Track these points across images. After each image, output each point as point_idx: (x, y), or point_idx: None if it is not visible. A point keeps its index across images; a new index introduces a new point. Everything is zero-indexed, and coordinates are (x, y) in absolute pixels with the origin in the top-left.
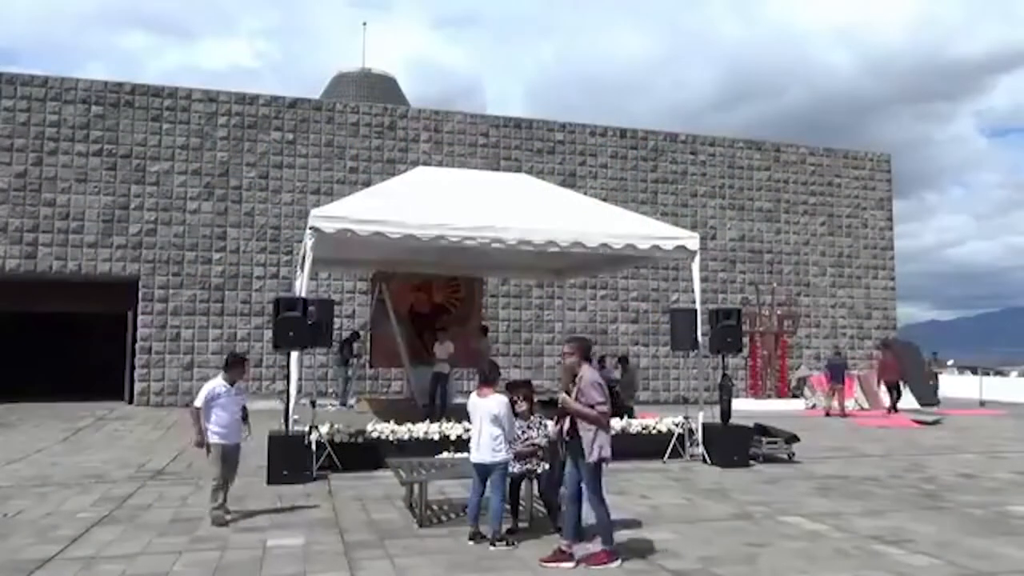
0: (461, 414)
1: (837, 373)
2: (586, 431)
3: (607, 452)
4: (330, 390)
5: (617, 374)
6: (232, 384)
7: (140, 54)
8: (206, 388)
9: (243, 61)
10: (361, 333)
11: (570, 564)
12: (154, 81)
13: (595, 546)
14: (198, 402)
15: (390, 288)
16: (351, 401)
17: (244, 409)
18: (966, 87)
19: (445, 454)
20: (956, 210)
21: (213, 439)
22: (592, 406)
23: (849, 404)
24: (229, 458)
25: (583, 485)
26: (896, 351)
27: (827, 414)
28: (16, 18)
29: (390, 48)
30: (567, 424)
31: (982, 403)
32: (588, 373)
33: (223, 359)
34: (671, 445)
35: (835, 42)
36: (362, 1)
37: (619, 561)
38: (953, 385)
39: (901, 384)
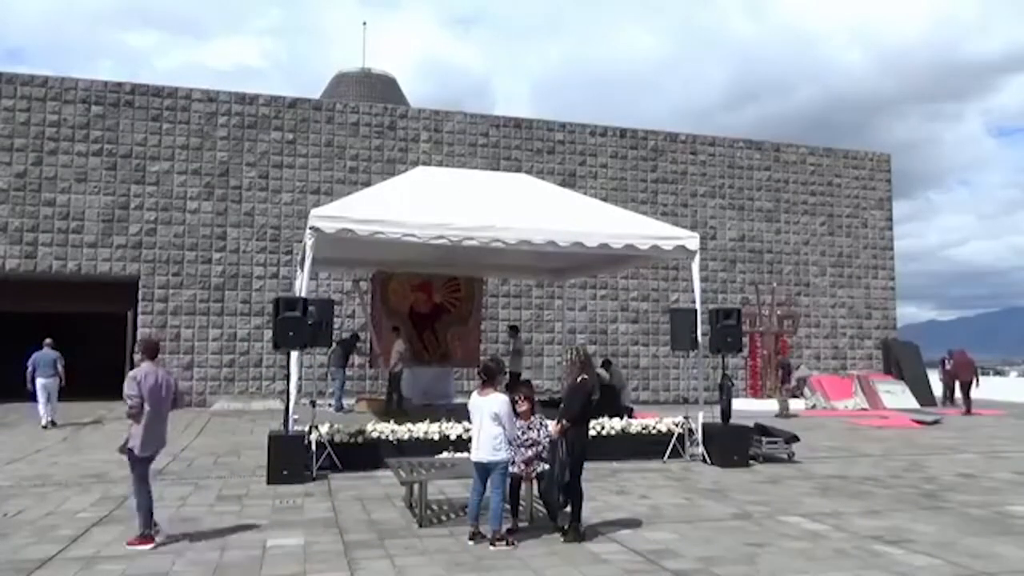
0: (461, 414)
1: (784, 374)
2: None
3: (133, 443)
4: (329, 390)
5: (606, 378)
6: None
7: (151, 53)
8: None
9: (250, 60)
10: (362, 335)
11: (148, 546)
12: (163, 80)
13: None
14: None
15: (388, 287)
16: (347, 403)
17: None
18: (976, 86)
19: (445, 454)
20: (960, 210)
21: None
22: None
23: (849, 404)
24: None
25: None
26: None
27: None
28: (28, 16)
29: (399, 48)
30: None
31: None
32: (134, 370)
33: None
34: (671, 445)
35: (849, 41)
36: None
37: (152, 546)
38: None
39: (974, 382)
